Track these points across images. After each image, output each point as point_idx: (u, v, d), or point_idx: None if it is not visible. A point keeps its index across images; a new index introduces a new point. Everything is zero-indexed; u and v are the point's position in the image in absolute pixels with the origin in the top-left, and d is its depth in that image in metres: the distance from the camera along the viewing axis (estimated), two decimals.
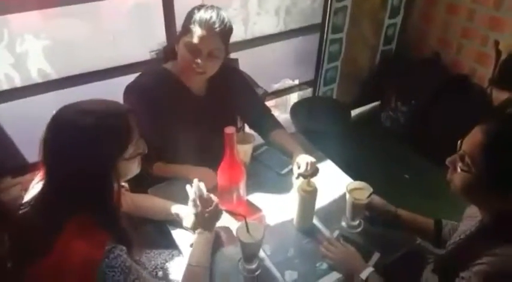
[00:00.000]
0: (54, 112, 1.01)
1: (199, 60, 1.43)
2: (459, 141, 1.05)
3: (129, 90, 1.50)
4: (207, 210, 1.26)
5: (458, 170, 1.03)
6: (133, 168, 1.13)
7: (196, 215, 1.27)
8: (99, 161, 0.99)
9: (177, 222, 1.38)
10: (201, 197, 1.27)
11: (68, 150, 0.97)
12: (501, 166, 0.96)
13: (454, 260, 1.12)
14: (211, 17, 1.41)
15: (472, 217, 1.17)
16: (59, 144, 0.99)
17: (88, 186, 0.99)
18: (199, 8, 1.45)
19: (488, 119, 1.02)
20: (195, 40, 1.41)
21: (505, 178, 0.96)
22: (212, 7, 1.46)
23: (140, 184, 1.45)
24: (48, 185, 1.02)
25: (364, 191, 1.35)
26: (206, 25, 1.40)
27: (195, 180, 1.27)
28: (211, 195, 1.30)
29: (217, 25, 1.42)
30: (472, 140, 1.01)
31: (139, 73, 1.57)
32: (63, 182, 1.00)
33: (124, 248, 1.02)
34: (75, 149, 0.97)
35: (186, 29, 1.43)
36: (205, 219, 1.27)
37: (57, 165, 1.00)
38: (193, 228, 1.30)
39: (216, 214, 1.29)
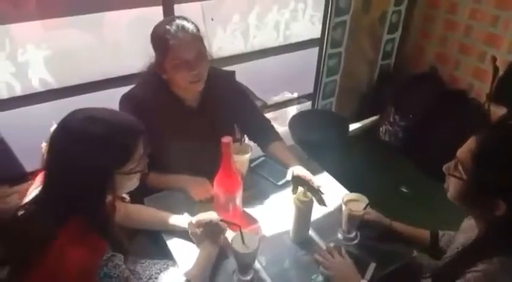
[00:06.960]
0: (53, 122, 1.02)
1: (195, 72, 1.43)
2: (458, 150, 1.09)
3: (123, 99, 1.51)
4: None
5: (452, 177, 1.07)
6: (130, 184, 1.11)
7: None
8: (96, 169, 0.98)
9: (172, 232, 1.37)
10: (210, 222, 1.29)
11: (69, 153, 0.97)
12: (488, 175, 1.00)
13: (451, 272, 1.12)
14: (178, 25, 1.40)
15: (470, 229, 1.18)
16: (61, 147, 0.98)
17: (81, 193, 0.98)
18: (163, 26, 1.41)
19: (483, 130, 1.06)
20: (180, 53, 1.40)
21: (492, 187, 1.00)
22: (171, 17, 1.45)
23: (136, 194, 1.44)
24: (45, 189, 1.02)
25: (360, 202, 1.35)
26: (181, 33, 1.39)
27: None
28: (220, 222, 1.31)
29: (188, 26, 1.41)
30: (466, 148, 1.06)
31: (136, 83, 1.57)
32: (58, 186, 0.99)
33: (122, 257, 1.01)
34: (76, 153, 0.96)
35: (165, 50, 1.41)
36: (207, 235, 1.28)
37: (55, 167, 1.00)
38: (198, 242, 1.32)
39: (216, 230, 1.30)
